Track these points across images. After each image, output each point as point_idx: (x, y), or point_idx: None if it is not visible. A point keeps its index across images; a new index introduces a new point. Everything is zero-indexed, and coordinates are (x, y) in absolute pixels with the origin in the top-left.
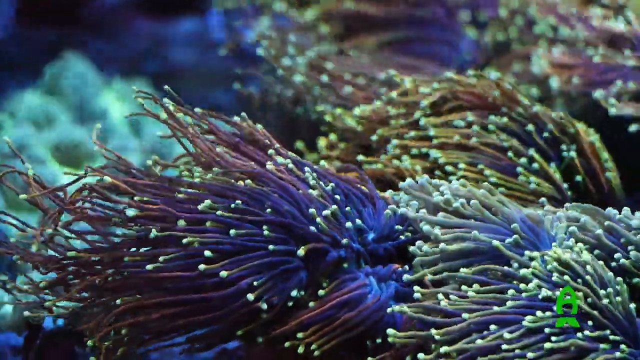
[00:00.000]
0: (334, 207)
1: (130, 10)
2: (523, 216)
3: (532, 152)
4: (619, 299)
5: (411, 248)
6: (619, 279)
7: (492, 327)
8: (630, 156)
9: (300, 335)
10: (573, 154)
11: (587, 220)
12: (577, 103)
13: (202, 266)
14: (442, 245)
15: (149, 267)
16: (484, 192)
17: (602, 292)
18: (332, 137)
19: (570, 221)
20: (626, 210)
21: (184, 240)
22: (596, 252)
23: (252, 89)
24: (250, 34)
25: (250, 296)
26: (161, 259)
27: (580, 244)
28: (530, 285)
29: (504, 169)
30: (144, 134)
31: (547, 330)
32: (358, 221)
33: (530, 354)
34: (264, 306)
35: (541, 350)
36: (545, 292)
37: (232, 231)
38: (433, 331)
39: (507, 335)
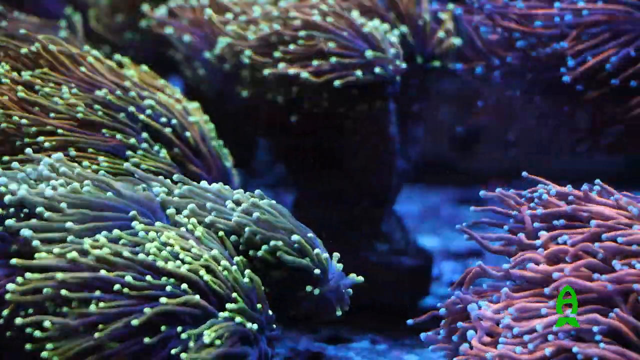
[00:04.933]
0: None
1: None
2: (139, 199)
3: (140, 123)
4: (234, 269)
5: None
6: (238, 258)
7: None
8: None
9: None
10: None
11: (196, 204)
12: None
13: None
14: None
15: None
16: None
17: (222, 264)
18: None
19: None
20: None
21: None
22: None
23: None
24: None
25: None
26: None
27: (193, 219)
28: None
29: (116, 150)
30: None
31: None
32: None
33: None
34: None
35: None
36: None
37: None
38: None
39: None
